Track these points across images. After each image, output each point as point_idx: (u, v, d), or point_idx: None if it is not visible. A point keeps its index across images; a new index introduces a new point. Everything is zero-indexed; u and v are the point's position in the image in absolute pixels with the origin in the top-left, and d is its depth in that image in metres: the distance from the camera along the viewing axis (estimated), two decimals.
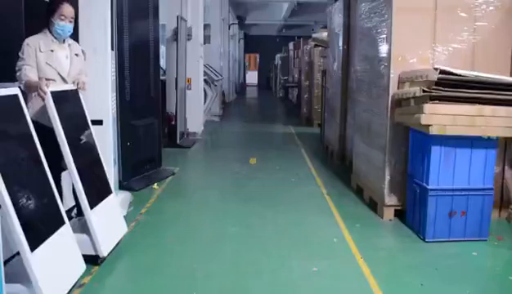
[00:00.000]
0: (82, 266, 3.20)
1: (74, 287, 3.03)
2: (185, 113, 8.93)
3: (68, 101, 3.53)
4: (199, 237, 4.17)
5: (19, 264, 2.71)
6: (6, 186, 2.55)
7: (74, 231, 3.45)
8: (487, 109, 3.83)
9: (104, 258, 3.45)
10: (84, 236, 3.40)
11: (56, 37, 3.51)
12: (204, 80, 10.75)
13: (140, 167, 5.91)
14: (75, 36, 4.20)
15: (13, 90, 3.00)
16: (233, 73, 21.49)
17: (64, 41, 3.57)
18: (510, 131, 3.92)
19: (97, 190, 3.67)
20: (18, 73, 3.36)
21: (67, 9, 3.50)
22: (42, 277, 2.66)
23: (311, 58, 11.63)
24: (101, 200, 3.64)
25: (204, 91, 10.85)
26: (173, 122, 8.41)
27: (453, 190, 3.95)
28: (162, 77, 8.25)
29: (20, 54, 3.39)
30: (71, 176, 3.38)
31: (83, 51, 3.77)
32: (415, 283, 3.26)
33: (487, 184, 3.98)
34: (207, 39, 10.98)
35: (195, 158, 8.02)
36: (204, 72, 10.80)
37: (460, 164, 3.92)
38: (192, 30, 9.18)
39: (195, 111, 9.59)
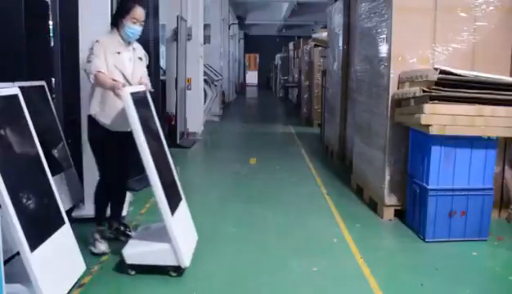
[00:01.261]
0: (82, 266, 3.20)
1: (74, 287, 3.04)
2: (185, 113, 8.93)
3: (142, 103, 3.47)
4: (200, 237, 4.16)
5: (19, 264, 2.71)
6: (6, 186, 2.55)
7: (147, 239, 3.36)
8: (487, 109, 3.83)
9: (185, 268, 3.30)
10: (165, 245, 3.22)
11: (123, 39, 3.48)
12: (204, 80, 10.75)
13: (140, 167, 5.89)
14: (75, 35, 4.20)
15: (13, 90, 3.00)
16: (233, 73, 21.49)
17: (129, 43, 3.53)
18: (510, 131, 3.92)
19: (174, 195, 3.50)
20: (88, 65, 3.32)
21: (140, 12, 3.46)
22: (42, 277, 2.66)
23: (311, 58, 11.63)
24: (178, 206, 3.51)
25: (204, 91, 10.85)
26: (173, 122, 8.41)
27: (453, 190, 3.95)
28: (162, 77, 8.25)
29: (89, 49, 3.38)
30: (152, 182, 3.23)
31: (145, 55, 3.73)
32: (415, 283, 3.26)
33: (486, 184, 3.98)
34: (207, 39, 10.98)
35: (195, 158, 8.02)
36: (204, 72, 10.80)
37: (459, 164, 3.92)
38: (192, 30, 9.18)
39: (195, 111, 9.59)
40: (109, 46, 3.40)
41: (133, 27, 3.45)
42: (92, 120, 3.52)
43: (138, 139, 3.20)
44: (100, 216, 3.75)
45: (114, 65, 3.40)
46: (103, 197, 3.75)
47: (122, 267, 3.29)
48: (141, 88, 3.49)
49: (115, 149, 3.57)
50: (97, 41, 3.37)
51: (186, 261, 3.26)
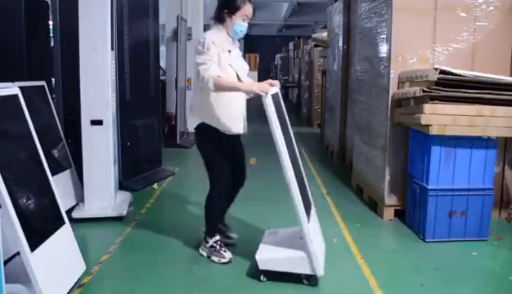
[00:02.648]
0: (82, 266, 3.20)
1: (74, 287, 3.04)
2: (185, 113, 8.94)
3: (279, 105, 3.31)
4: (200, 237, 4.17)
5: (19, 264, 2.72)
6: (6, 186, 2.56)
7: (280, 245, 3.24)
8: (487, 109, 3.83)
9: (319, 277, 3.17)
10: (300, 252, 3.11)
11: (230, 36, 3.38)
12: None
13: (140, 167, 5.92)
14: (75, 35, 4.20)
15: (13, 90, 3.00)
16: None
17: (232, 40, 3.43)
18: (510, 131, 3.92)
19: (307, 201, 3.30)
20: (203, 69, 3.16)
21: (250, 9, 3.35)
22: (42, 277, 2.66)
23: (311, 58, 11.63)
24: (310, 212, 3.32)
25: None
26: (173, 122, 8.41)
27: (453, 190, 3.95)
28: (162, 77, 8.26)
29: (200, 48, 3.21)
30: (290, 187, 3.07)
31: None
32: (415, 283, 3.26)
33: (487, 184, 3.98)
34: None
35: (195, 158, 7.95)
36: None
37: (459, 164, 3.92)
38: (192, 30, 9.18)
39: None
40: (221, 44, 3.26)
41: (243, 24, 3.35)
42: (205, 128, 3.40)
43: (279, 145, 3.14)
44: (216, 228, 3.61)
45: (229, 64, 3.25)
46: (223, 208, 3.63)
47: (254, 272, 3.23)
48: (277, 89, 3.29)
49: (232, 152, 3.51)
50: (212, 41, 3.20)
51: (321, 270, 3.13)
